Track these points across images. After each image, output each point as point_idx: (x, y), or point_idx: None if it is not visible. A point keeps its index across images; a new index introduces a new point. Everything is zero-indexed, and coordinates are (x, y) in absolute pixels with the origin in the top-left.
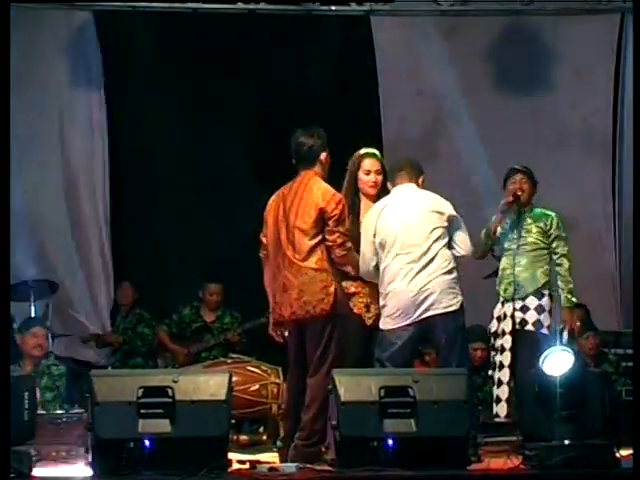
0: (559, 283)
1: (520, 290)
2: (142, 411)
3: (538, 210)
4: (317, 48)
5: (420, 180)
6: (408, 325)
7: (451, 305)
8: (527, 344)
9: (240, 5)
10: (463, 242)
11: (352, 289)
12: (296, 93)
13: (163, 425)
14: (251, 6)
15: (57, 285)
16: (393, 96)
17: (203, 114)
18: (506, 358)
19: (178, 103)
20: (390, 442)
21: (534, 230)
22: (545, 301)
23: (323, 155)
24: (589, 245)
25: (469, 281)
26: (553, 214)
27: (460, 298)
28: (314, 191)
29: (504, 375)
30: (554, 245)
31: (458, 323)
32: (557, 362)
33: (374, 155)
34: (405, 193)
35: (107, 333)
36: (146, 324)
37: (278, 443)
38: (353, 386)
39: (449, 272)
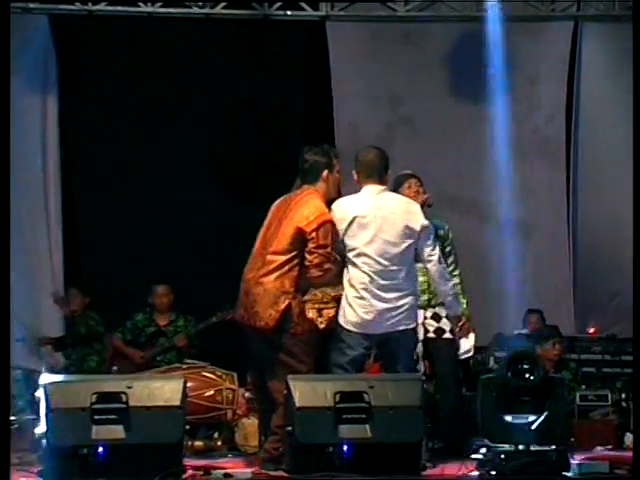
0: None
1: (434, 298)
2: (96, 417)
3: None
4: (273, 52)
5: (386, 178)
6: (370, 335)
7: (409, 323)
8: (449, 352)
9: (196, 9)
10: (433, 256)
11: (305, 296)
12: (251, 96)
13: (117, 431)
14: (207, 10)
15: None
16: (347, 101)
17: (158, 116)
18: (421, 366)
19: (133, 106)
20: (345, 448)
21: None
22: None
23: (325, 173)
24: (544, 251)
25: None
26: (446, 224)
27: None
28: (300, 210)
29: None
30: (450, 259)
31: (414, 339)
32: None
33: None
34: (381, 200)
35: (61, 302)
36: (97, 325)
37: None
38: (308, 392)
39: (411, 293)
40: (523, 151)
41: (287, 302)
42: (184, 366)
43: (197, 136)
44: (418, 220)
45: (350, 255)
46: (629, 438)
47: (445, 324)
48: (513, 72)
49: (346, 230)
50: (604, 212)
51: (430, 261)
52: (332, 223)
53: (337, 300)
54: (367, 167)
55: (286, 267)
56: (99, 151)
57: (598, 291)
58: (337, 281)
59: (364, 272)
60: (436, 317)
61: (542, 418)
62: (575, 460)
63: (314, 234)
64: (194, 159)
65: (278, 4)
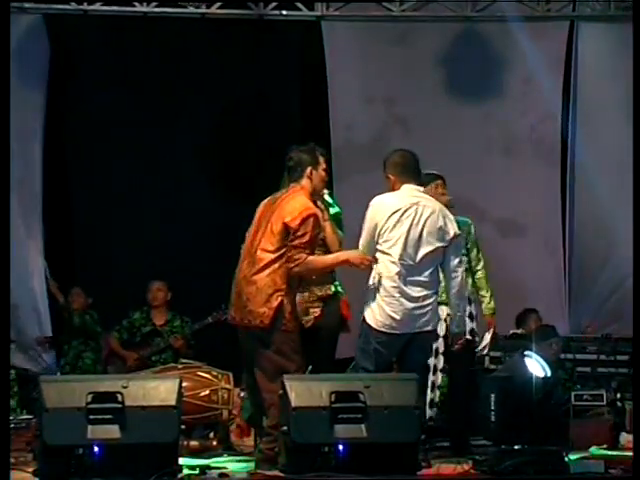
0: (482, 290)
1: None
2: (91, 417)
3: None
4: (269, 52)
5: (420, 179)
6: (400, 334)
7: (433, 325)
8: (468, 352)
9: (191, 9)
10: (460, 268)
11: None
12: (247, 96)
13: (112, 431)
14: (202, 10)
15: None
16: (343, 101)
17: (154, 116)
18: (440, 362)
19: (129, 105)
20: (341, 447)
21: None
22: (473, 307)
23: (309, 169)
24: (538, 250)
25: None
26: (470, 220)
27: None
28: (287, 207)
29: (438, 379)
30: (474, 253)
31: (432, 341)
32: (534, 366)
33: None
34: (420, 198)
35: (63, 302)
36: (95, 323)
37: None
38: (304, 391)
39: (435, 294)
40: (518, 151)
41: (280, 299)
42: (179, 366)
43: (193, 135)
44: (453, 227)
45: (385, 247)
46: (624, 438)
47: (467, 324)
48: (508, 72)
49: (385, 223)
50: (599, 212)
51: (456, 275)
52: (316, 217)
53: (323, 299)
54: (402, 168)
55: (276, 264)
56: (95, 150)
57: (593, 291)
58: (324, 280)
59: (394, 263)
60: None
61: (538, 418)
62: (570, 460)
63: (298, 227)
64: (190, 159)
65: (274, 4)
